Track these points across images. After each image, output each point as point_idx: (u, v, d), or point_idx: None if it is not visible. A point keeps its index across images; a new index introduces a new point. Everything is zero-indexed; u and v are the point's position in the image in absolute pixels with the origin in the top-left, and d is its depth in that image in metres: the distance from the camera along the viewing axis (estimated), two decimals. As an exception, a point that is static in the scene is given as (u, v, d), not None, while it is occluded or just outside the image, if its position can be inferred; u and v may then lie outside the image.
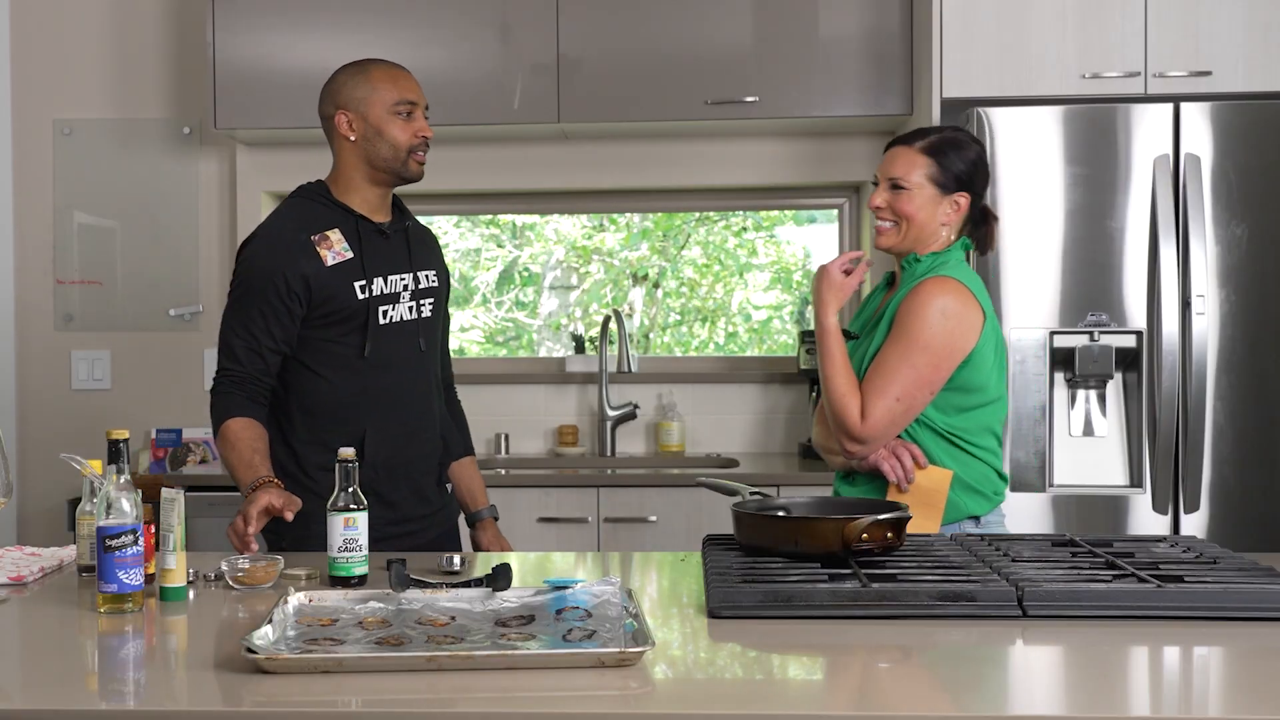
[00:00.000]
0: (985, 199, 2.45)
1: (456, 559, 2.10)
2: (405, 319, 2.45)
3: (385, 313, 2.42)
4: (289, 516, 2.15)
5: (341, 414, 2.41)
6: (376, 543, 2.35)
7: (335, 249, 2.37)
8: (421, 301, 2.48)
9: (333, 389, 2.40)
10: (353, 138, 2.40)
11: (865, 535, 1.92)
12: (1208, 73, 3.26)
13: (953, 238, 2.41)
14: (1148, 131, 3.16)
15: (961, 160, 2.36)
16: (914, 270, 2.38)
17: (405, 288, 2.46)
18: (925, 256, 2.38)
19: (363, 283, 2.39)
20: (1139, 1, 3.27)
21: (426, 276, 2.50)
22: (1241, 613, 1.72)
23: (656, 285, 4.53)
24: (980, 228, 2.45)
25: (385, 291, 2.42)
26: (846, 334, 2.42)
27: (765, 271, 4.50)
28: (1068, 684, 1.53)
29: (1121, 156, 3.17)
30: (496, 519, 2.67)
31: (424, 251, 2.54)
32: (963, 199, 2.37)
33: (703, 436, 4.05)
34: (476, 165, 3.96)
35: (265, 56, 3.72)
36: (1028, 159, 3.18)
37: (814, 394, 3.86)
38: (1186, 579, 1.80)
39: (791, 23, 3.65)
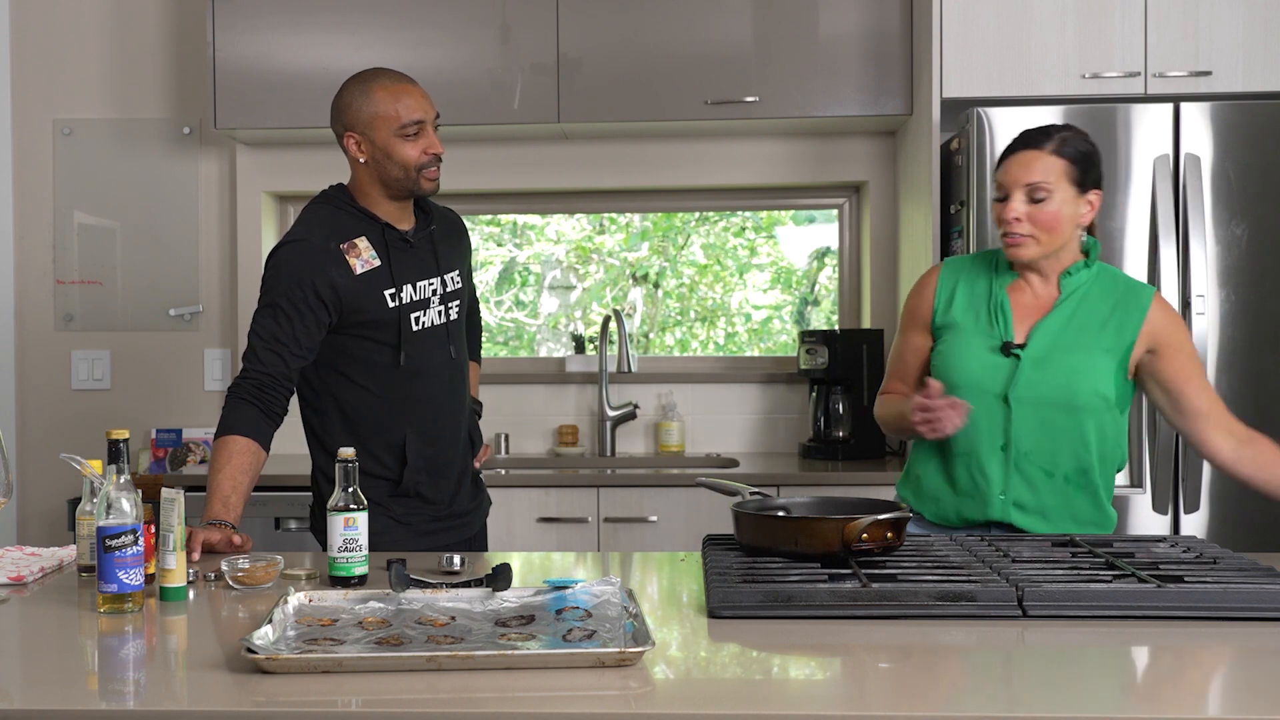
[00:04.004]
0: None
1: (456, 559, 2.10)
2: (435, 324, 2.46)
3: (417, 319, 2.43)
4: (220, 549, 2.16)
5: (382, 421, 2.43)
6: (422, 536, 2.43)
7: (364, 257, 2.38)
8: (449, 304, 2.50)
9: (373, 398, 2.42)
10: (363, 159, 2.40)
11: (865, 535, 1.92)
12: (1208, 73, 3.26)
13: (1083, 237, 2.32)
14: (1148, 131, 3.16)
15: (1088, 151, 2.26)
16: (1079, 279, 2.30)
17: (434, 292, 2.46)
18: (1093, 266, 2.31)
19: (392, 290, 2.39)
20: (1139, 1, 3.28)
21: (452, 279, 2.51)
22: (1241, 613, 1.72)
23: (656, 285, 4.53)
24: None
25: (415, 298, 2.43)
26: (1008, 346, 2.28)
27: (765, 271, 4.50)
28: (1068, 684, 1.53)
29: (1121, 156, 3.17)
30: (479, 415, 2.74)
31: (449, 251, 2.54)
32: (1096, 197, 2.28)
33: (703, 436, 4.05)
34: (476, 165, 3.96)
35: (265, 56, 3.72)
36: (1028, 159, 3.17)
37: (813, 393, 3.86)
38: (1186, 579, 1.80)
39: (791, 23, 3.65)
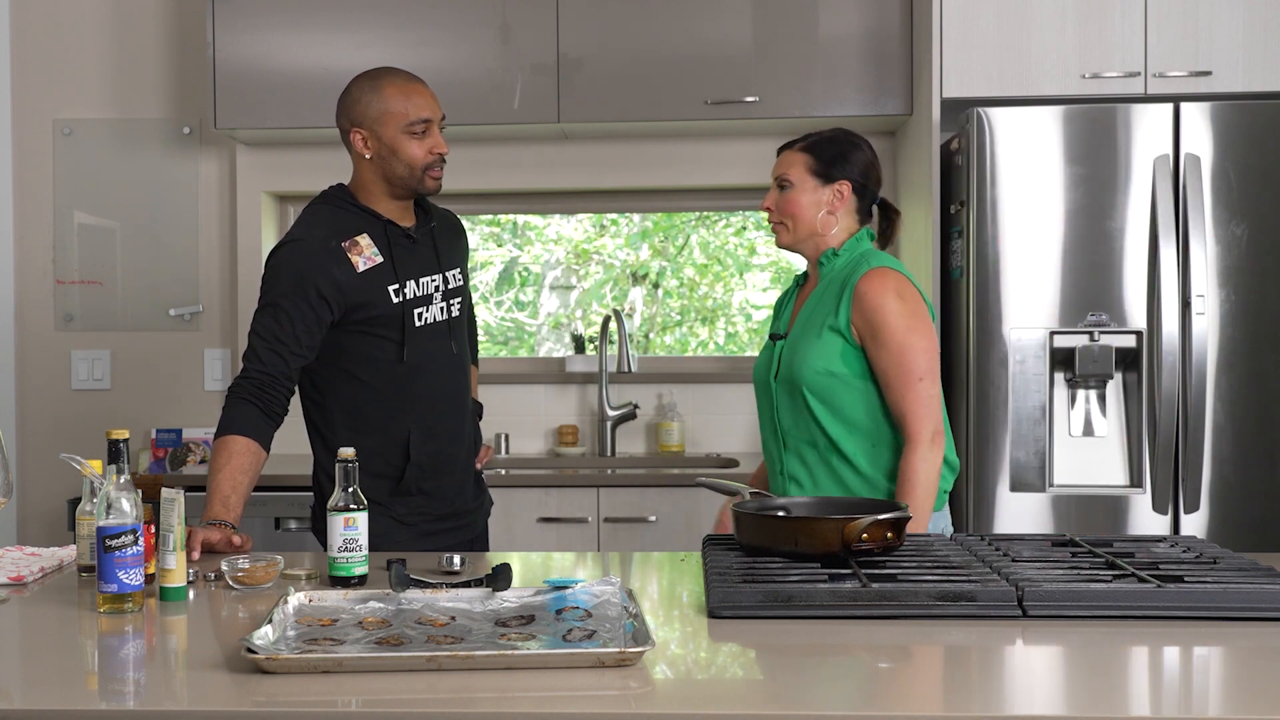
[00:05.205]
0: (879, 194, 2.53)
1: (456, 559, 2.10)
2: (437, 320, 2.47)
3: (420, 315, 2.44)
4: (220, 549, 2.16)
5: (384, 418, 2.43)
6: (425, 537, 2.42)
7: (366, 254, 2.38)
8: (451, 301, 2.50)
9: (375, 394, 2.43)
10: (368, 155, 2.40)
11: (865, 535, 1.92)
12: (1208, 73, 3.26)
13: (854, 228, 2.48)
14: (1148, 131, 3.16)
15: (836, 149, 2.45)
16: (833, 265, 2.45)
17: (436, 289, 2.47)
18: (841, 250, 2.46)
19: (396, 286, 2.40)
20: (1139, 1, 3.28)
21: (454, 276, 2.52)
22: (1241, 613, 1.72)
23: (656, 285, 4.53)
24: (882, 221, 2.56)
25: (418, 294, 2.43)
26: (773, 335, 2.51)
27: (765, 271, 4.50)
28: (1068, 684, 1.53)
29: (1121, 156, 3.17)
30: (480, 416, 2.75)
31: (449, 248, 2.55)
32: (844, 187, 2.44)
33: (703, 436, 4.05)
34: (476, 165, 3.96)
35: (265, 56, 3.72)
36: (1028, 159, 3.18)
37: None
38: (1186, 579, 1.80)
39: (791, 23, 3.65)
